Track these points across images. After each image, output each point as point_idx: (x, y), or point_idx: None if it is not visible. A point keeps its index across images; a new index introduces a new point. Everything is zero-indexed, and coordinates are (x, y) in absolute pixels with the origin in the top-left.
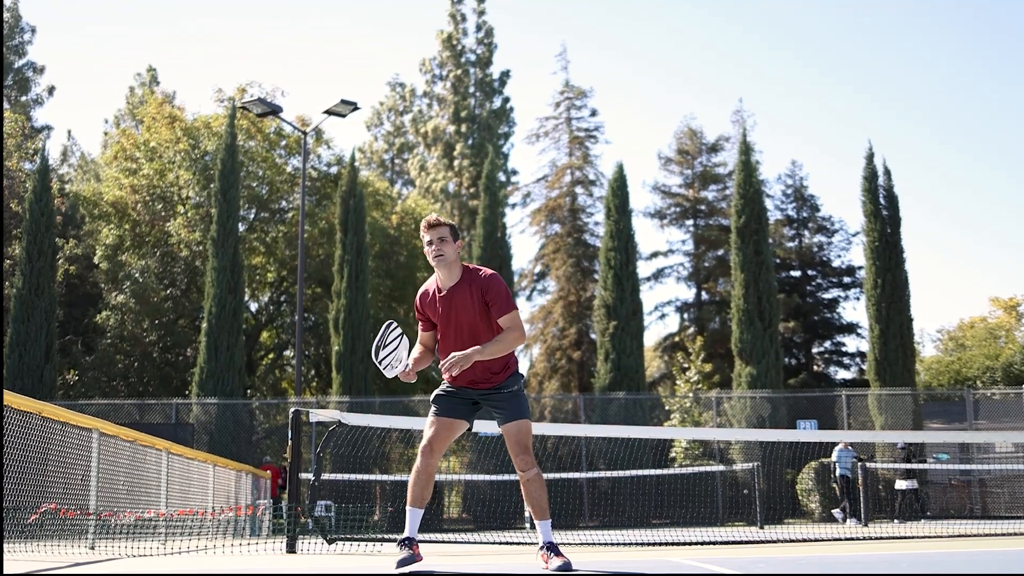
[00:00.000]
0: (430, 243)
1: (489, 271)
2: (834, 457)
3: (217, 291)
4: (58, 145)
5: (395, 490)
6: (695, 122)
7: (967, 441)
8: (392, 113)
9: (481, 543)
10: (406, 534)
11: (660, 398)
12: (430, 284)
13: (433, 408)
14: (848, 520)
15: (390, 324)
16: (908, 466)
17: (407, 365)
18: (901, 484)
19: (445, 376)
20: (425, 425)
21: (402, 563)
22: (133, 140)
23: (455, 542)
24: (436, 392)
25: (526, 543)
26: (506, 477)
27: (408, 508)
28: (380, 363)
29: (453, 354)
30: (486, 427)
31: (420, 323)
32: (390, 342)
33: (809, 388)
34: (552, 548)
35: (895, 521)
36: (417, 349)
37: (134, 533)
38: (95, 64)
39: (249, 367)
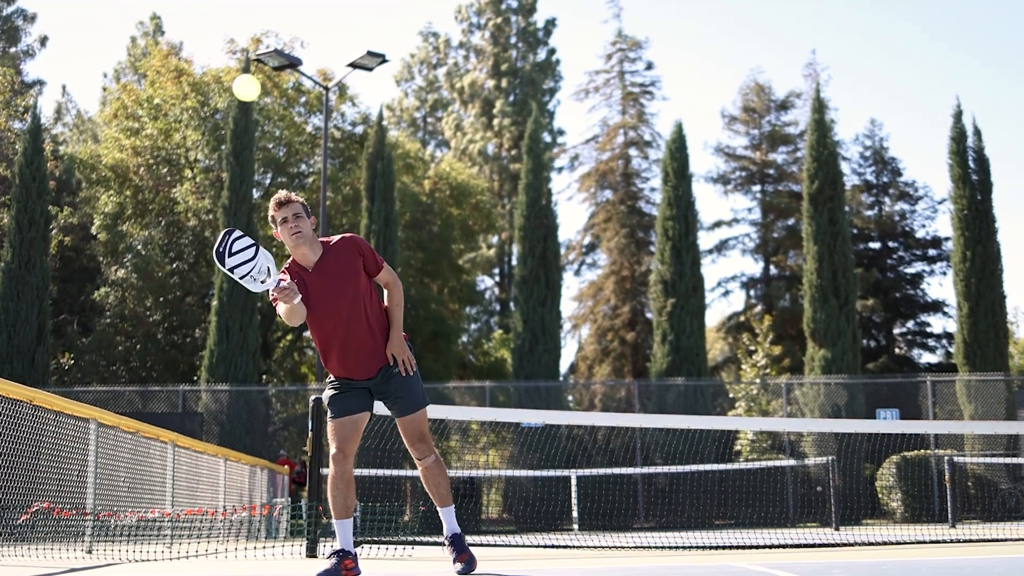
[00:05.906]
0: (285, 220)
1: (341, 234)
2: None
3: None
4: (51, 102)
5: None
6: (763, 76)
7: None
8: (424, 66)
9: (524, 546)
10: (339, 546)
11: (723, 384)
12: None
13: (330, 412)
14: None
15: (232, 230)
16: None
17: (279, 280)
18: None
19: (332, 373)
20: (328, 433)
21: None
22: (135, 96)
23: (495, 545)
24: (327, 394)
25: (574, 546)
26: (551, 473)
27: (335, 521)
28: (233, 272)
29: (391, 353)
30: (529, 417)
31: None
32: (238, 251)
33: (890, 373)
34: (458, 541)
35: None
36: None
37: (136, 535)
38: (93, 12)
39: (264, 350)
